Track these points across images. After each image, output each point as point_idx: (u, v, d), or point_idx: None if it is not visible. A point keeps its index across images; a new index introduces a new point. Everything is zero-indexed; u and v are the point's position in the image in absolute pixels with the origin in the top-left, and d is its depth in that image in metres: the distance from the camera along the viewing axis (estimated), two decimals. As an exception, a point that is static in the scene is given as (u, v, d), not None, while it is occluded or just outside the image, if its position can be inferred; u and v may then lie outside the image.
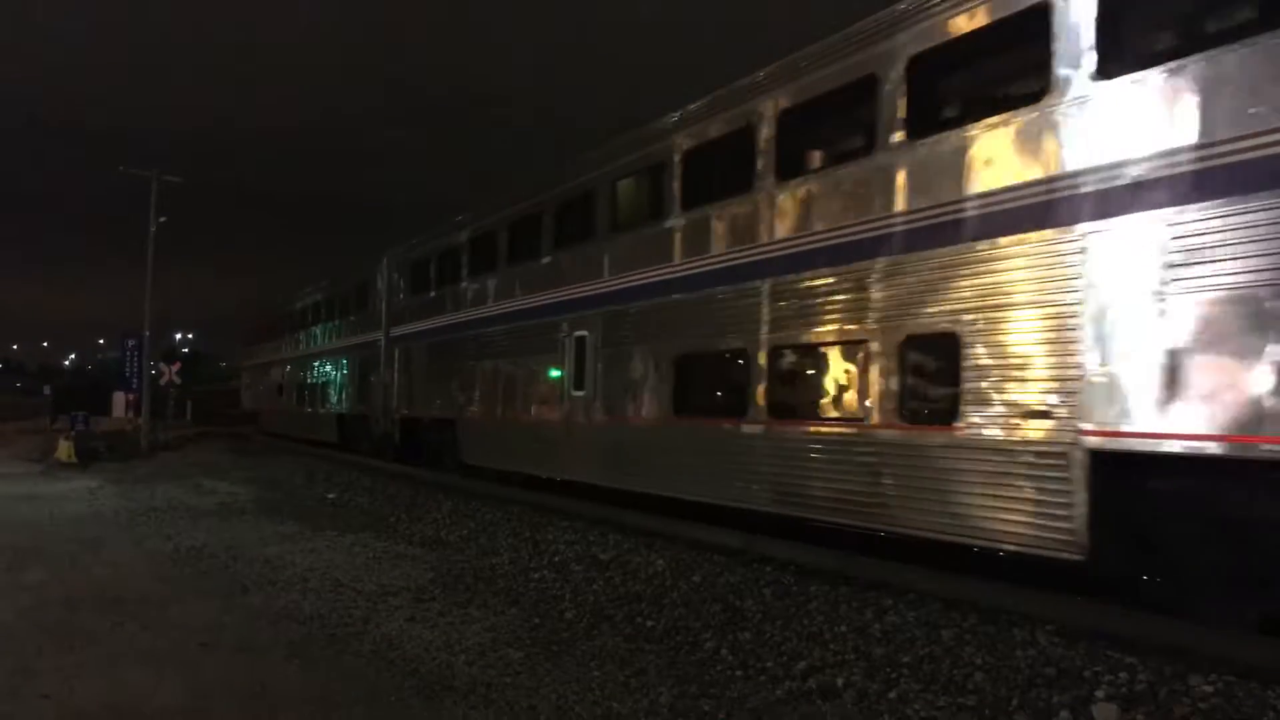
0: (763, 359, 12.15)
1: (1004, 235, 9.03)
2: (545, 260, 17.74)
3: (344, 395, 31.23)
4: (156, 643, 8.35)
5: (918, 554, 10.43)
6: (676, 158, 14.03)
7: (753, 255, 12.39)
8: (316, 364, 34.64)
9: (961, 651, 7.30)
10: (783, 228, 11.93)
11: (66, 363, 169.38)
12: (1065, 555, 8.29)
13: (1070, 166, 8.48)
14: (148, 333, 38.12)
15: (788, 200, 11.92)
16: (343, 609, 9.56)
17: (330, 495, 19.27)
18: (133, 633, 8.68)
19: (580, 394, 16.11)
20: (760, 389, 12.17)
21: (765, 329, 12.14)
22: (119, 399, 42.31)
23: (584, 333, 16.15)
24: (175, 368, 41.03)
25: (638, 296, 14.80)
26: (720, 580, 9.99)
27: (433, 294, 23.31)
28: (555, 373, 17.00)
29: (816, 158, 12.19)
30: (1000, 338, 9.02)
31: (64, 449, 28.96)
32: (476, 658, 7.85)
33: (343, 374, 31.22)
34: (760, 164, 12.32)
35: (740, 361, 12.56)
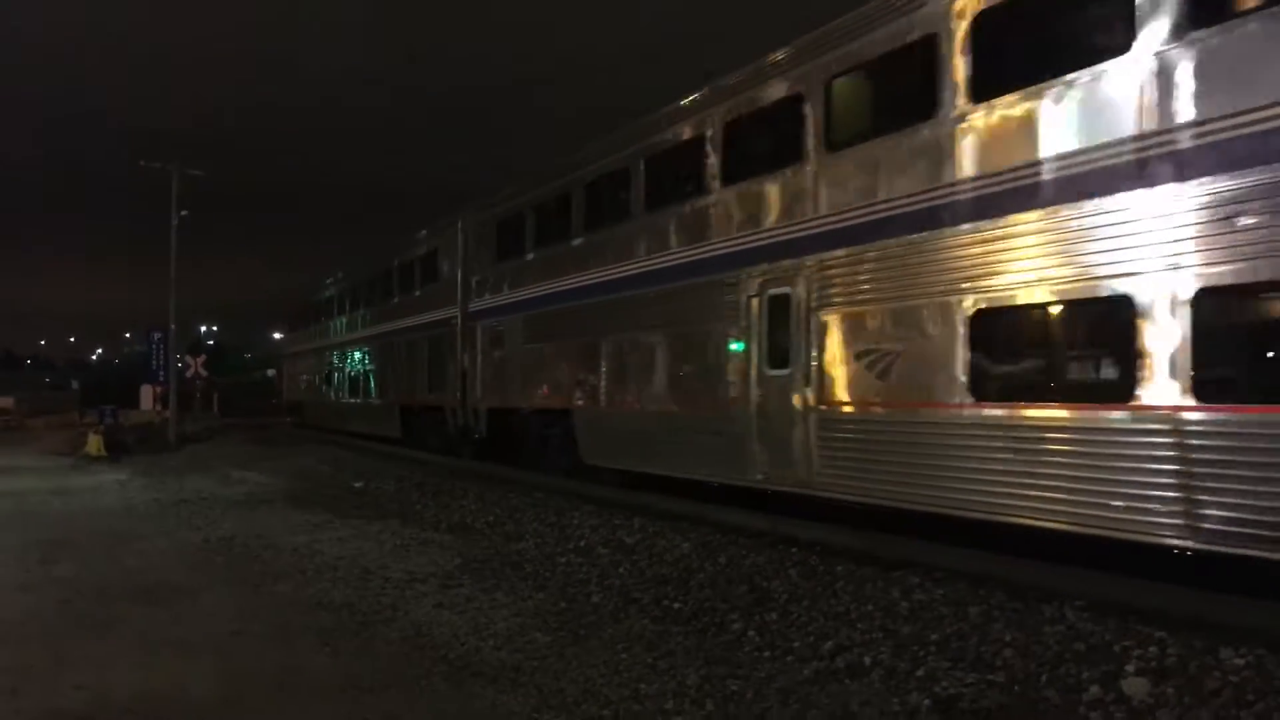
0: (1168, 310, 7.95)
1: None
2: (710, 199, 13.55)
3: (409, 383, 27.38)
4: (188, 632, 8.43)
5: (942, 531, 10.40)
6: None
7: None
8: (373, 349, 30.89)
9: (990, 628, 7.27)
10: None
11: (94, 357, 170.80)
12: None
13: None
14: (173, 325, 38.38)
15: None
16: (371, 596, 9.63)
17: (357, 484, 19.39)
18: (164, 622, 8.77)
19: (781, 373, 12.09)
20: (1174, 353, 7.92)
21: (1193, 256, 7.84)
22: (146, 392, 42.64)
23: (784, 290, 12.05)
24: (201, 360, 41.34)
25: (885, 231, 10.61)
26: (746, 562, 9.99)
27: (531, 257, 19.19)
28: (736, 346, 12.87)
29: None
30: None
31: (93, 443, 29.28)
32: (504, 642, 7.89)
33: (407, 359, 27.21)
34: None
35: (1124, 314, 8.28)
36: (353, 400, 33.78)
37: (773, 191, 12.47)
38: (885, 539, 10.60)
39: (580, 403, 17.08)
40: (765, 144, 12.80)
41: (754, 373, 12.50)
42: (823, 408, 11.43)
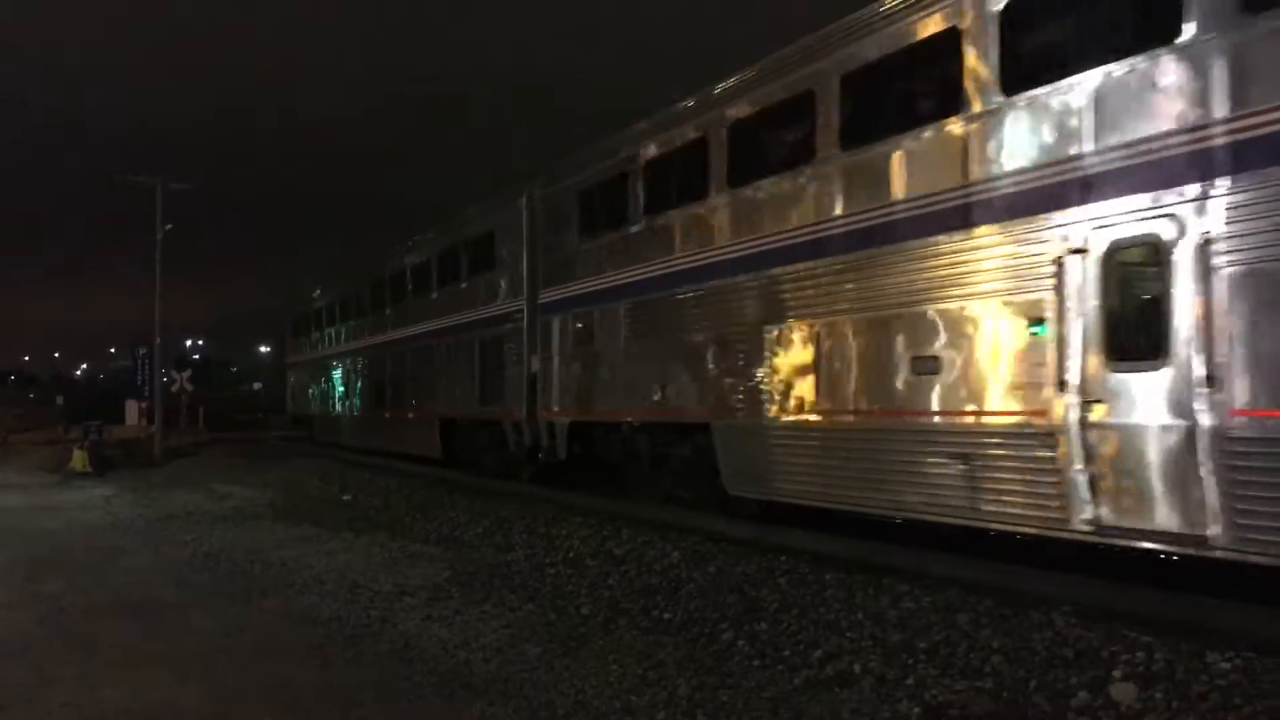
0: None
1: None
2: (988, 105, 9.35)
3: (452, 393, 23.01)
4: (176, 647, 8.40)
5: (932, 539, 10.44)
6: None
7: None
8: (404, 353, 26.61)
9: (978, 635, 7.29)
10: None
11: (79, 372, 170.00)
12: None
13: None
14: (158, 340, 38.23)
15: None
16: (360, 610, 9.60)
17: (345, 497, 19.34)
18: (152, 638, 8.74)
19: (1143, 366, 8.03)
20: None
21: None
22: (132, 407, 42.47)
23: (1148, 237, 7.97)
24: (186, 375, 41.19)
25: None
26: (736, 571, 9.99)
27: (638, 229, 14.88)
28: (1036, 330, 8.84)
29: None
30: None
31: (79, 458, 29.09)
32: (494, 654, 7.89)
33: (449, 364, 23.08)
34: None
35: None
36: (377, 414, 29.50)
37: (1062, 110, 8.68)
38: (874, 547, 10.62)
39: (728, 413, 12.79)
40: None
41: (1079, 365, 8.49)
42: (1241, 422, 7.37)
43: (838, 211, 11.06)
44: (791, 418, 11.79)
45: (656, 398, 14.41)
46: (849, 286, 10.94)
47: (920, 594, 8.46)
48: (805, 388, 11.55)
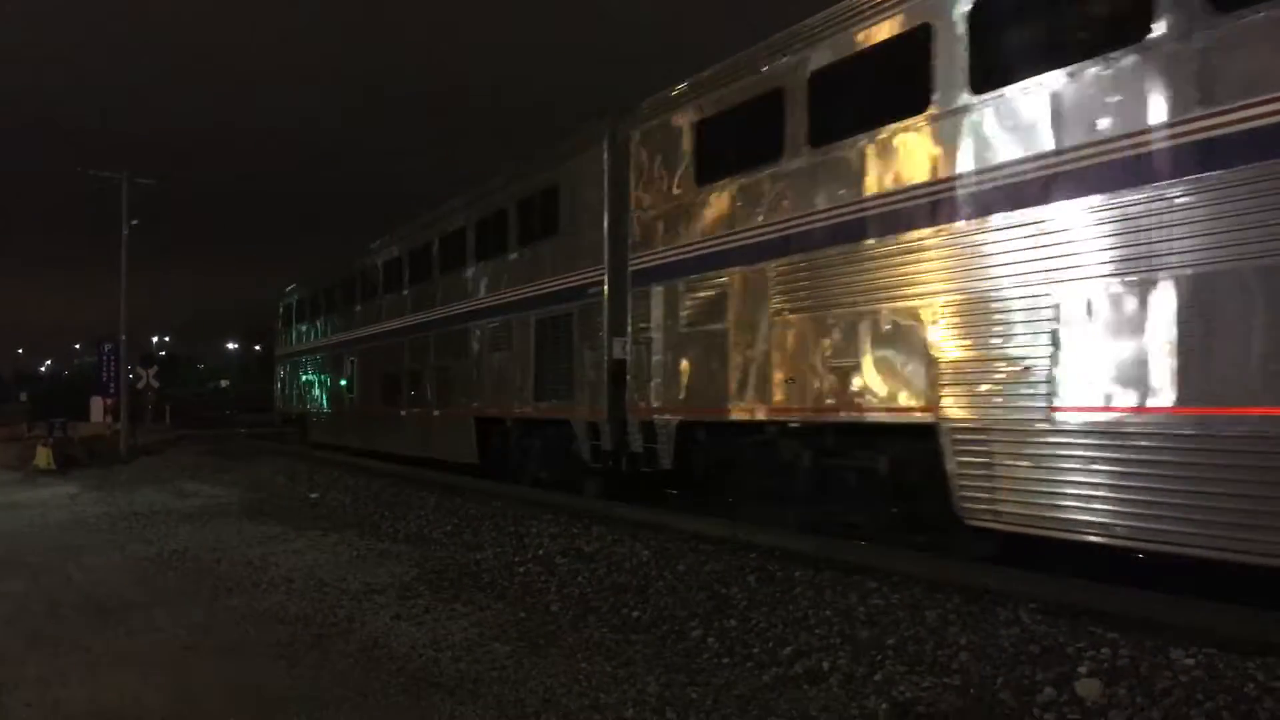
0: None
1: None
2: None
3: (497, 387, 19.14)
4: (141, 647, 8.31)
5: (900, 537, 10.49)
6: None
7: None
8: (430, 340, 22.89)
9: (946, 632, 7.33)
10: None
11: (43, 369, 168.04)
12: None
13: None
14: (124, 337, 37.86)
15: None
16: (328, 609, 9.54)
17: (313, 495, 19.20)
18: (116, 638, 8.64)
19: None
20: None
21: None
22: (97, 404, 42.04)
23: None
24: (153, 371, 40.79)
25: None
26: (705, 569, 10.00)
27: (801, 163, 11.34)
28: None
29: None
30: None
31: (42, 455, 28.79)
32: (463, 653, 7.85)
33: (492, 351, 19.35)
34: None
35: None
36: (392, 412, 25.66)
37: None
38: (842, 544, 10.66)
39: (978, 408, 9.11)
40: None
41: None
42: None
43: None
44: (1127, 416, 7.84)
45: (831, 390, 10.84)
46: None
47: (888, 591, 8.50)
48: (1162, 369, 7.61)
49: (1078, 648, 6.65)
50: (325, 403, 32.93)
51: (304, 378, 35.65)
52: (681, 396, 13.34)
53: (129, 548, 13.69)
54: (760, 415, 11.99)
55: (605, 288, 15.23)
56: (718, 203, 12.71)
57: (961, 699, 6.23)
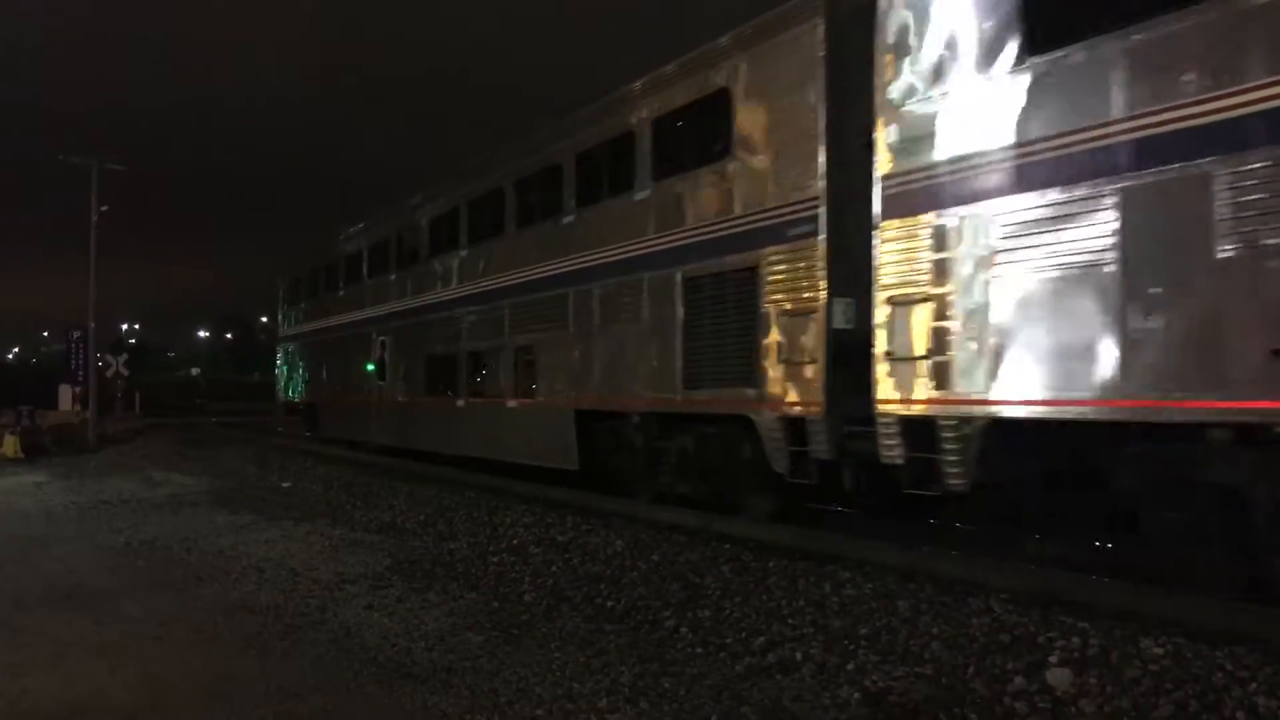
0: None
1: None
2: None
3: (618, 369, 14.85)
4: (109, 637, 8.23)
5: (876, 528, 10.55)
6: None
7: None
8: (502, 311, 18.35)
9: (918, 622, 7.37)
10: None
11: (10, 356, 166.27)
12: None
13: None
14: (92, 324, 37.49)
15: None
16: (299, 598, 9.47)
17: (284, 484, 19.07)
18: (85, 628, 8.55)
19: None
20: None
21: None
22: (65, 392, 41.53)
23: None
24: (122, 359, 40.43)
25: None
26: (679, 559, 10.01)
27: None
28: None
29: None
30: None
31: (9, 444, 28.43)
32: (436, 643, 7.82)
33: (617, 321, 14.86)
34: None
35: None
36: (441, 403, 21.13)
37: None
38: (816, 535, 10.71)
39: None
40: None
41: None
42: None
43: None
44: None
45: None
46: None
47: (861, 581, 8.55)
48: None
49: (1048, 637, 6.72)
50: (342, 391, 28.05)
51: (314, 362, 30.69)
52: (1003, 380, 8.94)
53: (97, 537, 13.55)
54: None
55: (821, 225, 11.15)
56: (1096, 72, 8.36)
57: (933, 688, 6.27)
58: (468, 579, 10.15)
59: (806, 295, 11.29)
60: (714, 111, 12.93)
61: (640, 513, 12.70)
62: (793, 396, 11.41)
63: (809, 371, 11.22)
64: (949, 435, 9.36)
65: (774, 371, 11.67)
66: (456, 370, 20.33)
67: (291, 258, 33.89)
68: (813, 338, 11.19)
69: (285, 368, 34.79)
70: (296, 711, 6.35)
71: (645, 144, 14.32)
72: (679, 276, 13.40)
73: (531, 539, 11.75)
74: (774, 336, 11.70)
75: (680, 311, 13.38)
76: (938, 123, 9.78)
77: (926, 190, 9.79)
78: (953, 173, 9.56)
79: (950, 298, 9.48)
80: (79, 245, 37.40)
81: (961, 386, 9.32)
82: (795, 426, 11.38)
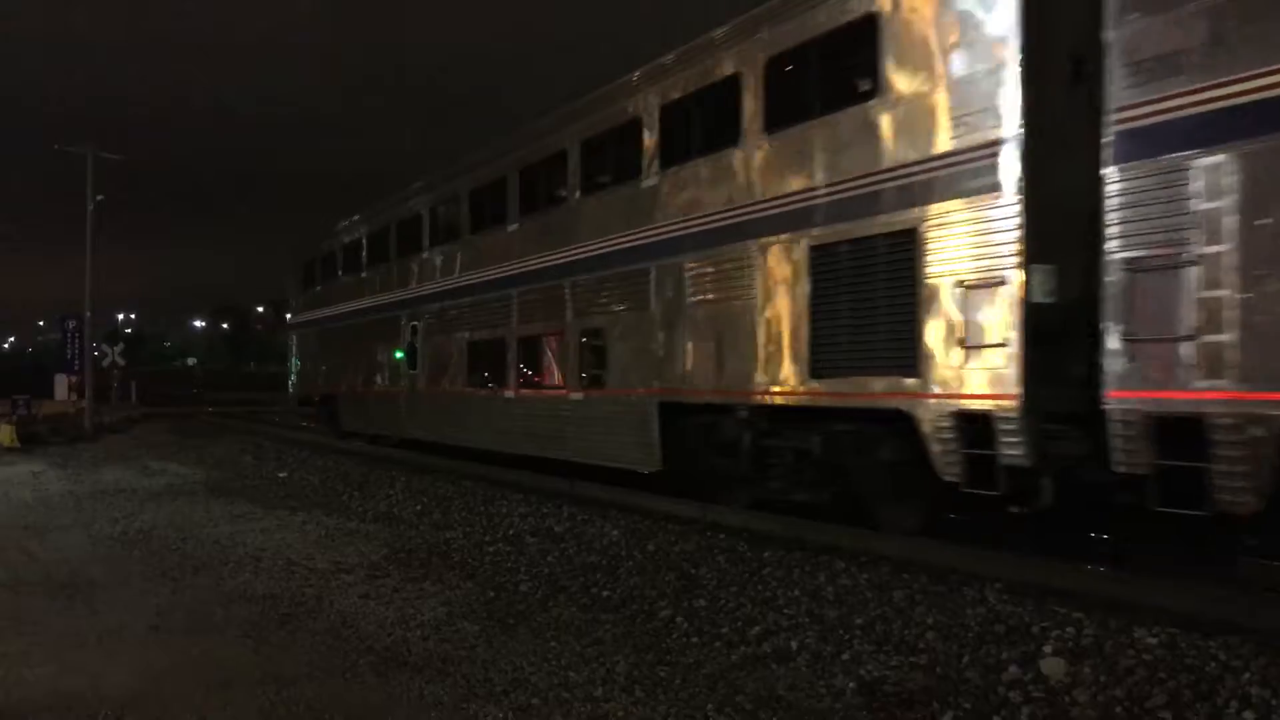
0: None
1: None
2: None
3: (719, 354, 12.59)
4: (106, 627, 8.22)
5: (867, 519, 10.56)
6: None
7: None
8: (569, 289, 15.94)
9: (913, 612, 7.39)
10: None
11: (6, 345, 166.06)
12: None
13: None
14: (89, 313, 37.44)
15: None
16: (296, 588, 9.48)
17: (281, 474, 19.07)
18: (81, 617, 8.55)
19: None
20: None
21: None
22: (61, 381, 41.51)
23: None
24: (118, 349, 40.38)
25: None
26: (675, 549, 10.03)
27: None
28: None
29: None
30: None
31: (6, 433, 28.39)
32: (432, 632, 7.83)
33: (716, 298, 12.67)
34: None
35: None
36: (487, 395, 18.85)
37: None
38: (812, 525, 10.72)
39: None
40: None
41: None
42: None
43: None
44: None
45: None
46: None
47: (856, 571, 8.57)
48: None
49: (1043, 627, 6.74)
50: (367, 381, 25.40)
51: (333, 350, 28.01)
52: None
53: (94, 526, 13.54)
54: None
55: (1012, 174, 9.03)
56: None
57: (928, 677, 6.29)
58: (464, 568, 10.16)
59: (992, 261, 9.11)
60: (855, 42, 10.65)
61: (636, 502, 12.71)
62: (973, 387, 9.25)
63: (997, 356, 9.02)
64: (1229, 439, 7.35)
65: (944, 356, 9.52)
66: (504, 357, 18.03)
67: (307, 238, 30.92)
68: (1002, 314, 9.00)
69: (299, 357, 31.79)
70: (293, 700, 6.35)
71: (754, 89, 12.09)
72: (804, 244, 11.19)
73: (528, 529, 11.76)
74: (944, 313, 9.53)
75: (806, 285, 11.17)
76: (1213, 29, 7.57)
77: (1199, 120, 7.62)
78: (1246, 93, 7.36)
79: (1233, 260, 7.41)
80: (76, 235, 37.37)
81: (1247, 375, 7.34)
82: (973, 424, 9.20)
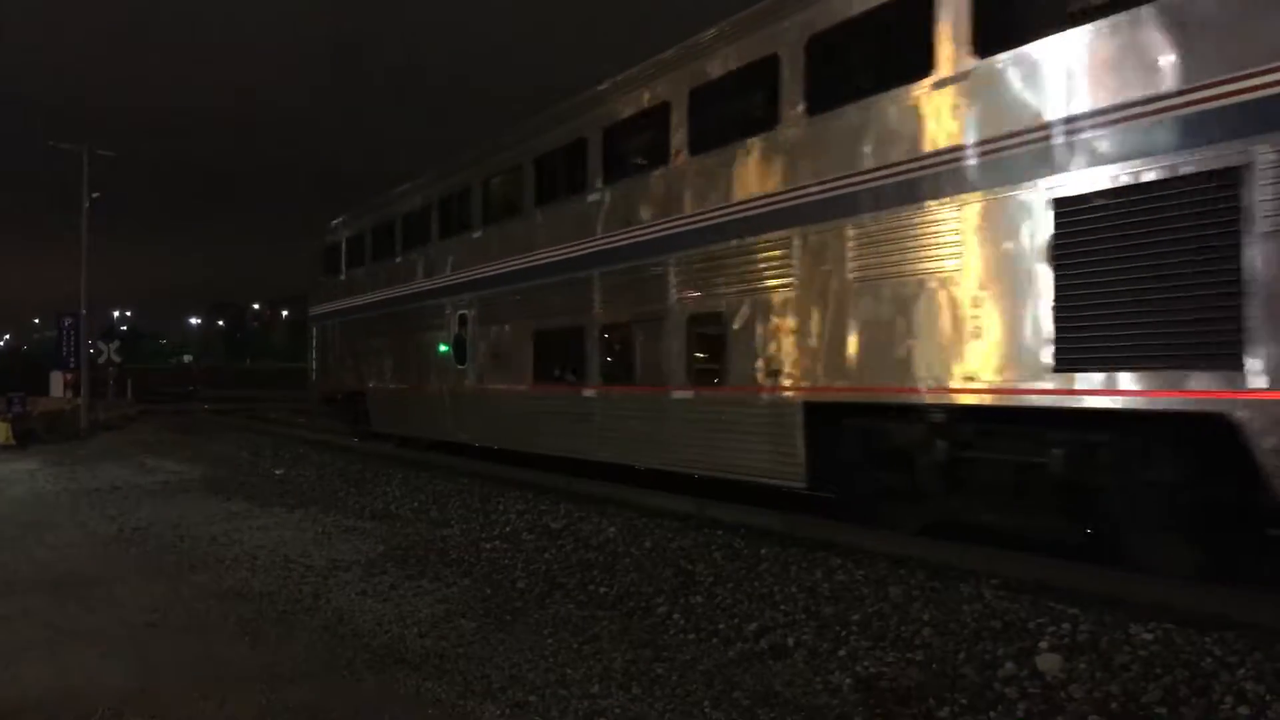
0: None
1: None
2: None
3: (902, 341, 10.00)
4: (102, 624, 8.22)
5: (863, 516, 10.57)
6: None
7: None
8: (673, 268, 13.42)
9: (909, 608, 7.40)
10: None
11: (1, 342, 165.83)
12: None
13: None
14: (84, 310, 37.36)
15: None
16: (293, 585, 9.47)
17: (278, 471, 19.05)
18: (77, 615, 8.54)
19: None
20: None
21: None
22: (57, 378, 41.40)
23: None
24: (114, 346, 40.32)
25: None
26: (672, 545, 10.03)
27: None
28: None
29: None
30: None
31: (1, 430, 28.34)
32: (429, 629, 7.83)
33: (888, 273, 10.16)
34: None
35: None
36: (562, 394, 16.14)
37: None
38: (808, 521, 10.73)
39: None
40: None
41: None
42: None
43: None
44: None
45: None
46: None
47: (853, 567, 8.57)
48: None
49: (1039, 623, 6.75)
50: (403, 377, 22.67)
51: (363, 342, 25.19)
52: None
53: (90, 524, 13.53)
54: None
55: None
56: None
57: (924, 674, 6.30)
58: (461, 565, 10.16)
59: None
60: None
61: (633, 499, 12.72)
62: None
63: None
64: None
65: None
66: (583, 349, 15.47)
67: (329, 222, 27.91)
68: None
69: (320, 351, 28.74)
70: (289, 698, 6.35)
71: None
72: (1042, 197, 8.62)
73: (525, 526, 11.76)
74: None
75: (1047, 249, 8.59)
76: None
77: None
78: None
79: None
80: (72, 232, 37.24)
81: None
82: None
